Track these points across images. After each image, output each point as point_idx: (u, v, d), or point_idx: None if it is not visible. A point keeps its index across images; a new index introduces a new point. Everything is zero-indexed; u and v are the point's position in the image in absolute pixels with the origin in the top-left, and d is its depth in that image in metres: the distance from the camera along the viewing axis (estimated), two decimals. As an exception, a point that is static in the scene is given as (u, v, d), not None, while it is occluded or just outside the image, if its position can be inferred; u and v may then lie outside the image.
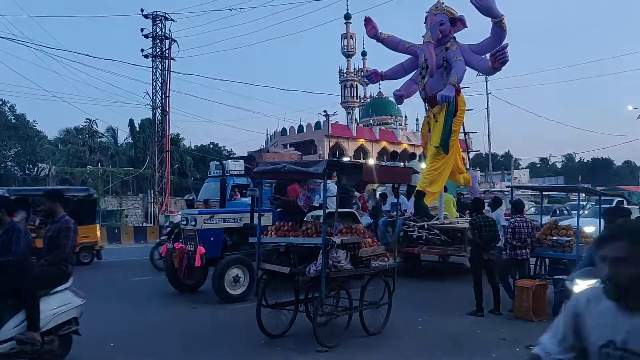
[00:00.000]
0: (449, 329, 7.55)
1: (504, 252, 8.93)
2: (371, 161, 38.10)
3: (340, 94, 65.58)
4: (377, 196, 14.35)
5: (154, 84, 32.16)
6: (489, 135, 33.07)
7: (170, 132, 35.20)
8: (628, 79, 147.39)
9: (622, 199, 19.31)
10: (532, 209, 20.29)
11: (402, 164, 15.17)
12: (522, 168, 59.31)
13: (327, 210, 9.52)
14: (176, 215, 13.29)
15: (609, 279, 1.90)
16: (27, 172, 44.93)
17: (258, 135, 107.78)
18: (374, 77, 13.72)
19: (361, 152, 50.85)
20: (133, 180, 37.26)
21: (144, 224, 30.81)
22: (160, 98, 32.32)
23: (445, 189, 14.01)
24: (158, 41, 31.97)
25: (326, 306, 6.74)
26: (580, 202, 16.15)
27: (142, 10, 31.29)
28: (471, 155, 62.76)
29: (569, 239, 9.24)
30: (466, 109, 13.44)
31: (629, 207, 18.33)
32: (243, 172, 18.25)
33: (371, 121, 56.60)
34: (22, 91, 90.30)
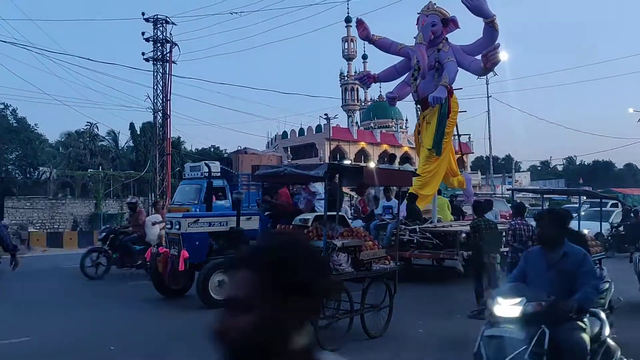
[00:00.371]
0: (450, 331, 7.51)
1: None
2: (372, 164, 38.05)
3: (341, 97, 65.52)
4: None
5: (155, 87, 32.11)
6: (489, 138, 32.98)
7: (171, 136, 35.20)
8: (629, 81, 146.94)
9: (616, 201, 19.17)
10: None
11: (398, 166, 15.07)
12: (523, 171, 59.16)
13: (316, 214, 9.57)
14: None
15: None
16: (28, 175, 45.07)
17: (259, 139, 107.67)
18: (366, 79, 13.72)
19: (362, 155, 50.80)
20: (134, 183, 37.28)
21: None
22: (161, 101, 32.30)
23: (440, 192, 13.95)
24: (159, 44, 31.95)
25: (327, 309, 6.73)
26: (572, 206, 16.11)
27: (143, 14, 31.18)
28: (472, 158, 62.93)
29: None
30: (460, 110, 13.39)
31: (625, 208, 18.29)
32: (219, 174, 17.98)
33: (372, 124, 56.54)
34: (24, 95, 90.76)
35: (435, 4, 12.89)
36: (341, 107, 65.69)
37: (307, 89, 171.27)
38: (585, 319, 3.95)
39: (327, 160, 43.55)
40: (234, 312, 1.10)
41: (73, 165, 42.61)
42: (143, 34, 31.32)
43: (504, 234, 9.29)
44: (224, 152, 62.96)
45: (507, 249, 9.86)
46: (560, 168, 78.50)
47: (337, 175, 7.26)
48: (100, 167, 42.68)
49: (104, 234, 13.04)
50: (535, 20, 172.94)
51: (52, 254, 19.41)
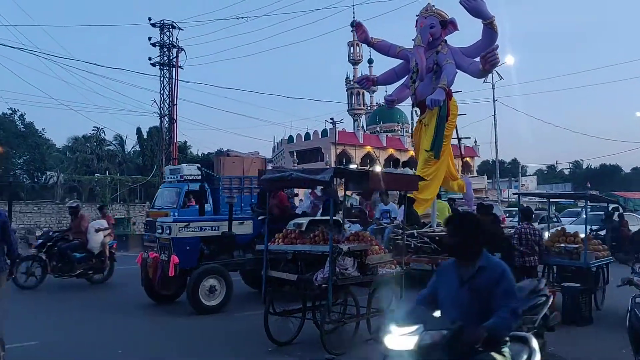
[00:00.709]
0: None
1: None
2: (378, 168, 37.91)
3: (347, 102, 65.51)
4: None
5: (162, 92, 32.28)
6: (496, 142, 32.73)
7: (178, 140, 35.32)
8: (637, 85, 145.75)
9: (617, 205, 18.94)
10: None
11: (400, 170, 14.98)
12: (530, 175, 58.76)
13: (311, 218, 9.48)
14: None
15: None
16: (35, 180, 45.35)
17: (265, 143, 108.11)
18: (365, 82, 13.61)
19: (368, 159, 50.67)
20: (140, 188, 37.40)
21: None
22: (167, 106, 32.42)
23: (439, 196, 13.80)
24: (166, 49, 32.09)
25: (333, 313, 6.77)
26: (575, 210, 15.89)
27: (149, 19, 31.45)
28: (478, 162, 62.56)
29: (577, 246, 9.13)
30: (459, 113, 13.25)
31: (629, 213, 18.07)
32: (199, 177, 17.60)
33: (378, 128, 56.42)
34: (32, 100, 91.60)
35: (433, 5, 12.76)
36: (347, 111, 65.69)
37: (313, 94, 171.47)
38: (505, 349, 3.22)
39: (332, 165, 43.44)
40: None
41: (80, 169, 42.84)
42: (150, 39, 31.56)
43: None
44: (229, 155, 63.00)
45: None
46: (567, 172, 78.08)
47: (337, 180, 7.25)
48: (107, 172, 42.89)
49: (40, 240, 12.10)
50: (541, 23, 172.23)
51: None
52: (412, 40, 12.73)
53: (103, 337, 7.45)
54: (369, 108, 67.13)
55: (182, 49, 31.70)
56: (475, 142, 57.43)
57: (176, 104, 32.14)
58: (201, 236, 8.66)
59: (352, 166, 42.28)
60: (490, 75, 32.19)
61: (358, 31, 13.09)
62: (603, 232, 16.26)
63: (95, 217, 30.98)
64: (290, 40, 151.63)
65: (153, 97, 47.88)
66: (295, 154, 50.90)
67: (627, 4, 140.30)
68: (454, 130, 13.24)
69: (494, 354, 3.12)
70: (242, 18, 33.89)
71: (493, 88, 32.65)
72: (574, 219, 19.67)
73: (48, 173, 42.63)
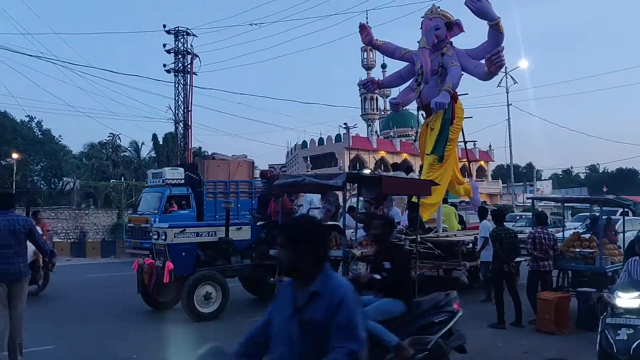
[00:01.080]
0: (469, 341, 7.30)
1: (529, 264, 8.81)
2: (366, 171, 37.73)
3: (361, 107, 65.33)
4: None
5: (176, 98, 32.48)
6: (510, 146, 32.29)
7: (193, 146, 35.48)
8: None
9: (627, 209, 18.49)
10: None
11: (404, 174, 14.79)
12: (545, 179, 58.02)
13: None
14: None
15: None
16: (52, 186, 45.93)
17: (279, 148, 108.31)
18: (370, 85, 13.47)
19: (382, 164, 50.45)
20: (155, 193, 37.59)
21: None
22: (182, 112, 32.61)
23: (445, 200, 13.59)
24: (180, 56, 32.30)
25: None
26: (585, 214, 15.51)
27: (164, 26, 31.67)
28: (492, 166, 61.90)
29: (592, 250, 9.02)
30: (465, 116, 13.04)
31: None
32: (182, 181, 17.19)
33: (391, 133, 56.18)
34: (49, 107, 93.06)
35: (439, 7, 12.62)
36: (361, 116, 65.58)
37: (326, 99, 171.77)
38: None
39: (346, 170, 43.32)
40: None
41: (96, 175, 43.23)
42: (164, 45, 31.78)
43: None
44: (244, 161, 63.33)
45: (523, 259, 9.74)
46: (583, 176, 76.98)
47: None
48: (122, 178, 43.19)
49: None
50: (556, 27, 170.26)
51: (76, 264, 19.52)
52: (417, 42, 12.58)
53: (108, 343, 7.44)
54: (382, 113, 66.90)
55: (197, 56, 31.85)
56: (490, 146, 56.92)
57: (191, 110, 32.29)
58: (197, 242, 8.57)
59: (366, 171, 42.10)
60: (504, 79, 31.97)
61: (362, 33, 12.97)
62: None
63: (111, 222, 31.37)
64: (304, 46, 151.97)
65: (168, 103, 48.24)
66: (309, 159, 50.86)
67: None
68: (460, 133, 13.02)
69: None
70: (256, 24, 33.96)
71: (507, 92, 32.34)
72: (580, 223, 19.28)
73: (65, 179, 43.13)
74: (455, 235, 11.84)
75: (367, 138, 53.87)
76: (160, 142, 47.26)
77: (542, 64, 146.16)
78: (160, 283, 8.14)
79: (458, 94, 12.56)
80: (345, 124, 46.74)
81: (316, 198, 9.61)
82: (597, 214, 18.81)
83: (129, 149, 50.24)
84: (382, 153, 50.97)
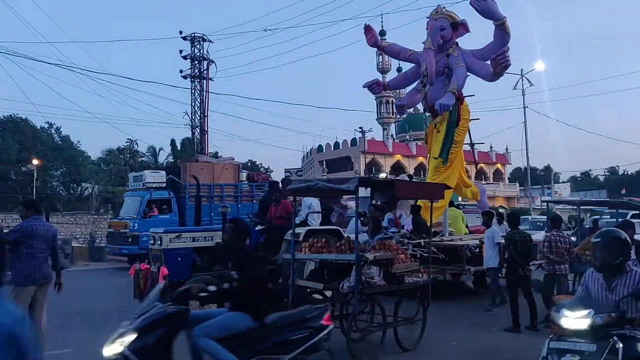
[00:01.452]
0: (485, 345, 7.40)
1: (545, 268, 8.75)
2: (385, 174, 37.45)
3: (376, 110, 65.09)
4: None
5: (193, 104, 32.70)
6: (527, 149, 31.81)
7: (209, 151, 35.65)
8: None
9: (638, 212, 18.12)
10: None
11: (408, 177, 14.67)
12: (563, 182, 57.12)
13: (309, 228, 9.33)
14: None
15: None
16: (71, 191, 46.61)
17: (294, 153, 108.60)
18: (376, 87, 13.26)
19: (397, 167, 50.14)
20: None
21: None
22: (199, 118, 32.83)
23: (452, 204, 13.40)
24: (196, 62, 32.53)
25: (360, 322, 6.80)
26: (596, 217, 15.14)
27: (180, 32, 31.93)
28: (510, 169, 61.14)
29: None
30: (471, 118, 12.85)
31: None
32: (164, 184, 16.86)
33: (407, 137, 55.86)
34: (67, 114, 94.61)
35: (444, 7, 12.42)
36: (376, 120, 65.34)
37: (342, 103, 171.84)
38: None
39: (362, 174, 43.26)
40: None
41: (114, 181, 43.74)
42: (181, 51, 32.03)
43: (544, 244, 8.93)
44: (260, 165, 63.62)
45: (541, 262, 9.77)
46: (602, 179, 75.50)
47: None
48: (140, 183, 43.65)
49: None
50: (573, 27, 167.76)
51: (94, 268, 19.67)
52: (422, 43, 12.42)
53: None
54: (398, 116, 66.65)
55: (213, 61, 32.00)
56: (507, 149, 56.27)
57: (207, 116, 32.46)
58: (194, 247, 8.54)
59: (382, 175, 41.91)
60: (520, 81, 31.55)
61: (367, 35, 12.80)
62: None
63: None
64: (318, 50, 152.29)
65: (185, 109, 48.76)
66: (324, 163, 50.80)
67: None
68: (466, 135, 12.83)
69: None
70: (270, 30, 34.17)
71: (523, 94, 31.88)
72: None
73: (83, 185, 43.68)
74: (461, 239, 11.65)
75: (382, 142, 53.72)
76: (178, 148, 47.67)
77: (560, 65, 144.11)
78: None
79: (464, 95, 12.37)
80: (360, 127, 46.62)
81: (315, 202, 9.50)
82: (598, 217, 18.53)
83: (146, 154, 50.78)
84: (398, 157, 50.64)
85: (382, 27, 53.89)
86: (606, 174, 75.14)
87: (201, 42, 32.28)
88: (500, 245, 9.70)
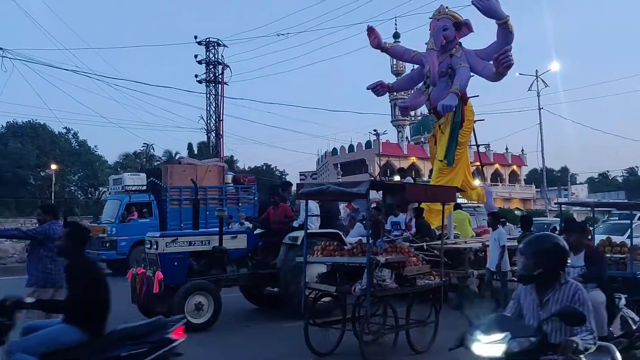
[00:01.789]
0: None
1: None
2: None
3: (391, 113, 64.69)
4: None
5: (208, 108, 32.89)
6: (542, 150, 31.41)
7: (225, 155, 35.80)
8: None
9: None
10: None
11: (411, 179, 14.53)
12: (580, 183, 56.22)
13: (309, 231, 9.24)
14: None
15: None
16: (89, 195, 47.26)
17: (309, 156, 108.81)
18: (380, 89, 13.16)
19: (412, 170, 49.91)
20: (189, 201, 38.10)
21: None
22: (214, 122, 33.00)
23: (459, 206, 13.23)
24: (211, 66, 32.72)
25: (372, 324, 6.83)
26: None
27: (195, 37, 32.15)
28: (526, 171, 60.33)
29: (623, 256, 8.88)
30: (476, 119, 12.70)
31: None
32: (144, 187, 16.38)
33: (422, 139, 55.42)
34: (84, 119, 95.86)
35: (447, 7, 12.32)
36: (391, 122, 64.99)
37: (356, 106, 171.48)
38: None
39: (377, 177, 43.08)
40: None
41: (131, 185, 44.23)
42: (196, 56, 32.24)
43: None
44: (275, 169, 63.84)
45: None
46: (620, 179, 74.07)
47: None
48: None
49: None
50: (588, 27, 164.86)
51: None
52: (425, 44, 12.32)
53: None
54: (412, 119, 66.23)
55: (227, 66, 32.09)
56: (522, 150, 55.62)
57: (222, 120, 32.58)
58: (190, 251, 8.49)
59: (397, 177, 41.69)
60: (535, 82, 31.17)
61: (370, 36, 12.73)
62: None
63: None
64: (332, 54, 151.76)
65: (200, 113, 49.13)
66: (339, 166, 50.71)
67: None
68: (471, 136, 12.68)
69: None
70: (282, 35, 34.17)
71: (538, 96, 31.51)
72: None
73: (101, 189, 44.23)
74: (465, 242, 11.49)
75: (397, 144, 53.44)
76: (195, 152, 48.10)
77: (575, 66, 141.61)
78: (152, 293, 8.08)
79: (468, 96, 12.24)
80: (375, 130, 46.45)
81: (314, 205, 9.42)
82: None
83: (162, 158, 51.37)
84: (413, 159, 50.45)
85: (395, 29, 53.89)
86: (625, 174, 73.74)
87: (216, 47, 32.47)
88: (505, 247, 9.54)
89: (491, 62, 11.42)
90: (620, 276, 8.64)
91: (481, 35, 12.90)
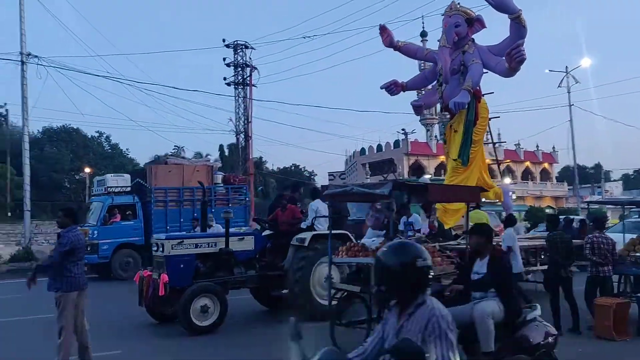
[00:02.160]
0: None
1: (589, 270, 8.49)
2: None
3: (419, 111, 64.18)
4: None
5: (237, 110, 33.23)
6: (573, 147, 30.68)
7: (254, 156, 36.05)
8: None
9: None
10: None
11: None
12: (615, 180, 54.54)
13: (316, 232, 9.21)
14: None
15: None
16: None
17: (337, 157, 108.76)
18: (394, 88, 12.95)
19: (442, 169, 49.25)
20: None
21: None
22: (243, 124, 33.30)
23: (478, 206, 12.96)
24: (239, 69, 33.03)
25: None
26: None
27: (223, 40, 32.54)
28: (558, 168, 58.79)
29: None
30: (491, 117, 12.40)
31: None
32: (129, 189, 16.09)
33: (452, 137, 54.79)
34: (116, 123, 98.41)
35: (458, 3, 12.01)
36: (419, 121, 64.31)
37: (383, 106, 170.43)
38: None
39: (406, 176, 42.81)
40: None
41: (163, 187, 44.94)
42: (224, 59, 32.62)
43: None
44: (303, 169, 63.92)
45: (583, 263, 9.38)
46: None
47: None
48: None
49: None
50: (619, 23, 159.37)
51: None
52: (437, 41, 12.12)
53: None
54: (441, 117, 65.44)
55: (255, 68, 32.36)
56: (553, 148, 54.33)
57: (251, 122, 32.86)
58: (196, 253, 8.52)
59: (426, 177, 41.27)
60: (565, 79, 30.42)
61: (383, 35, 12.54)
62: None
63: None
64: (358, 54, 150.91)
65: (229, 116, 49.67)
66: (367, 165, 50.52)
67: None
68: (486, 134, 12.39)
69: None
70: (309, 37, 34.46)
71: (568, 92, 30.76)
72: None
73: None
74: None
75: (426, 143, 52.86)
76: (227, 154, 48.63)
77: (606, 61, 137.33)
78: (158, 295, 8.14)
79: (482, 92, 11.97)
80: (403, 129, 46.08)
81: (322, 206, 9.36)
82: (572, 217, 17.47)
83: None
84: (442, 158, 49.73)
85: (422, 28, 53.29)
86: (661, 170, 71.13)
87: (243, 49, 32.76)
88: (510, 249, 9.29)
89: (504, 57, 11.16)
90: (650, 275, 8.69)
91: (494, 30, 12.57)
